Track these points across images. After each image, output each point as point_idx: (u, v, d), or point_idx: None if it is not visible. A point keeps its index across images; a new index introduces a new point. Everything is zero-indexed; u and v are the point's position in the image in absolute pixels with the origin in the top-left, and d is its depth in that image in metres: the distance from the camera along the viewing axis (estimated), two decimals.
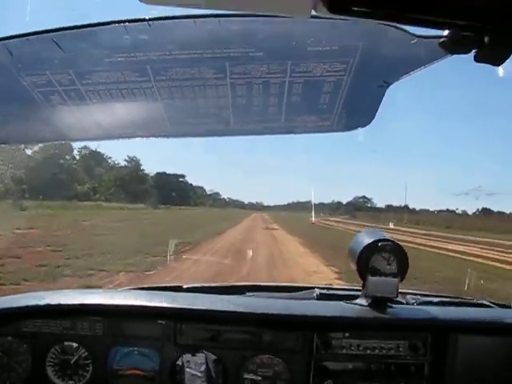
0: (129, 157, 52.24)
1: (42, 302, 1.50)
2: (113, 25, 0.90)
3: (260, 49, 0.96)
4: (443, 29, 0.81)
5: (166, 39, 0.94)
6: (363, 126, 1.19)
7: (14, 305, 1.53)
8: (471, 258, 14.52)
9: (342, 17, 0.65)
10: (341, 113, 1.15)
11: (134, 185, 46.55)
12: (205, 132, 1.19)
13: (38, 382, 1.53)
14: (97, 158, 48.09)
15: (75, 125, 1.17)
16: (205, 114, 1.13)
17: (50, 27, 0.91)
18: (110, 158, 51.77)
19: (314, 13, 0.66)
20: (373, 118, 1.17)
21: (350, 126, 1.21)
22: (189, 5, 0.74)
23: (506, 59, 0.83)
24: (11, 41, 0.93)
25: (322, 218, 44.30)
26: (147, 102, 1.09)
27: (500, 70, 0.94)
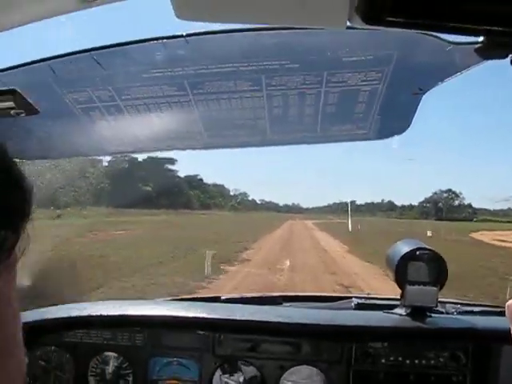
0: None
1: (84, 313, 1.53)
2: (151, 42, 0.92)
3: (295, 61, 0.97)
4: (479, 35, 0.80)
5: (202, 54, 0.96)
6: (399, 133, 1.19)
7: (57, 315, 1.57)
8: None
9: (377, 27, 0.65)
10: (376, 121, 1.14)
11: None
12: (242, 143, 1.21)
13: None
14: None
15: (114, 139, 1.21)
16: (241, 125, 1.14)
17: (90, 46, 0.94)
18: None
19: (349, 24, 0.67)
20: (409, 125, 1.16)
21: (385, 134, 1.20)
22: (225, 20, 0.76)
23: None
24: (54, 61, 0.96)
25: None
26: (185, 115, 1.10)
27: None
